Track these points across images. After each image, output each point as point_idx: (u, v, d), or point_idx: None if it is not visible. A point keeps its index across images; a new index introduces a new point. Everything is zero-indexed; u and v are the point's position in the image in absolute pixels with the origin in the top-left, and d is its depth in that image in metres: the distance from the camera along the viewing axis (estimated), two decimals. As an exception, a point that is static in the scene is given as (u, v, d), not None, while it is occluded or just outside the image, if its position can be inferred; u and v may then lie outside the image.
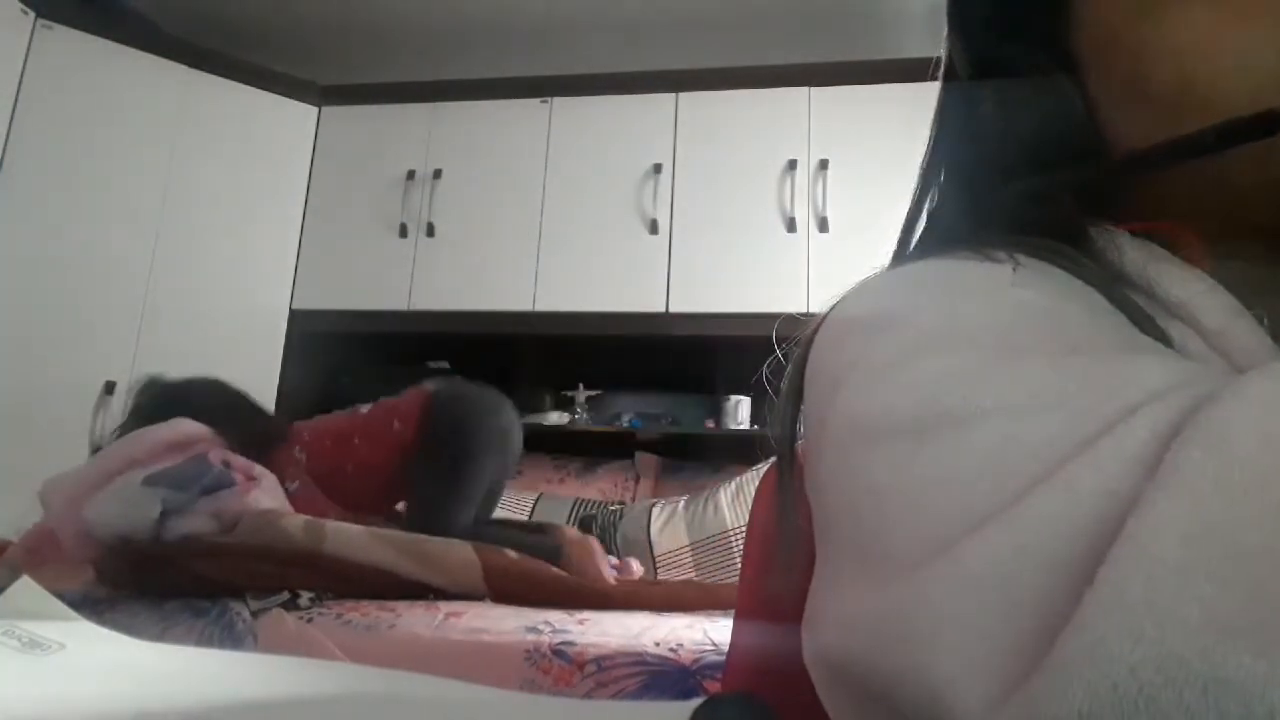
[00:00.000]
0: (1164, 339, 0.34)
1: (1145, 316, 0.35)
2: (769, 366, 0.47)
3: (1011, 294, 0.34)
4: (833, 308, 0.39)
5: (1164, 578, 0.20)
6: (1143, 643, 0.19)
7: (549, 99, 2.76)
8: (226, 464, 1.40)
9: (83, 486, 1.33)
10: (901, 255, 0.46)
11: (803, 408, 0.39)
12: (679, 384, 2.84)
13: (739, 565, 0.65)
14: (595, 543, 1.67)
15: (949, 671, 0.22)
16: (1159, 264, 0.36)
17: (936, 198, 0.46)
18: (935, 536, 0.25)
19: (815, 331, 0.39)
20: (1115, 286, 0.36)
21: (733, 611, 0.59)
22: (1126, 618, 0.19)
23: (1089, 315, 0.33)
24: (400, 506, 1.75)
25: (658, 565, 2.05)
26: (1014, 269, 0.35)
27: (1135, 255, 0.37)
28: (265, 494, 1.39)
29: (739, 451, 2.44)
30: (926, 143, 0.47)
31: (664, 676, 1.00)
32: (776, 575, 0.51)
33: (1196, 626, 0.19)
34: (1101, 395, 0.25)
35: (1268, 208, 0.34)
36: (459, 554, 1.31)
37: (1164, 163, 0.39)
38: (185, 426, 1.46)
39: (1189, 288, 0.35)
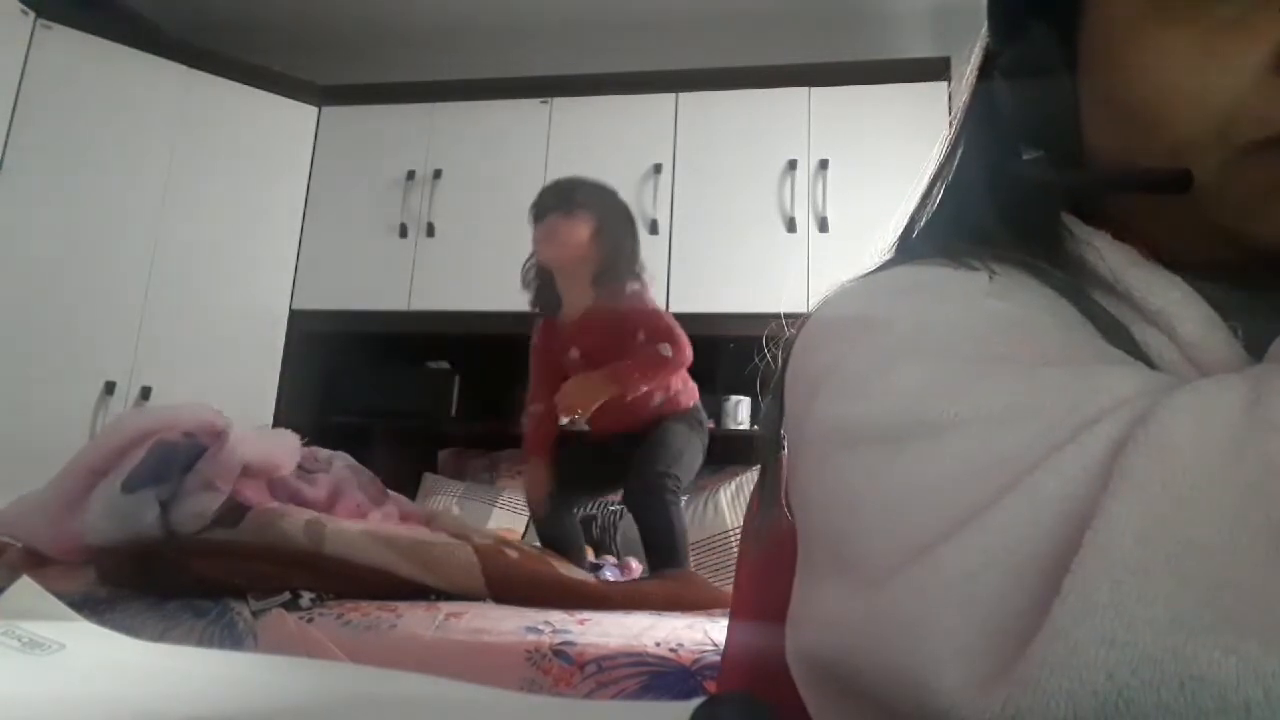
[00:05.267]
0: (1133, 347, 0.35)
1: (1115, 326, 0.35)
2: (760, 368, 0.47)
3: (987, 304, 0.34)
4: (813, 311, 0.40)
5: (1126, 580, 0.20)
6: (1116, 647, 0.20)
7: (549, 99, 2.76)
8: (189, 435, 1.37)
9: (59, 508, 1.30)
10: (900, 250, 0.47)
11: (785, 409, 0.39)
12: (679, 384, 2.84)
13: (739, 565, 0.65)
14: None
15: (930, 667, 0.23)
16: (1138, 269, 0.37)
17: (942, 194, 0.46)
18: (912, 541, 0.26)
19: (797, 334, 0.40)
20: (1085, 297, 0.37)
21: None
22: (1097, 623, 0.20)
23: (1060, 326, 0.34)
24: None
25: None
26: (989, 278, 0.36)
27: (1115, 259, 0.38)
28: (240, 442, 1.35)
29: (739, 451, 2.44)
30: (942, 139, 0.47)
31: (664, 676, 1.00)
32: (754, 569, 0.51)
33: (1165, 626, 0.19)
34: (1069, 406, 0.26)
35: (1232, 226, 0.35)
36: (459, 556, 1.31)
37: (1092, 189, 0.41)
38: (128, 421, 1.43)
39: (1167, 295, 0.36)
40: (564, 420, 1.74)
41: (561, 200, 1.83)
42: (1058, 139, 0.40)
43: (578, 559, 1.74)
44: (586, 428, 1.82)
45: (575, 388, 1.71)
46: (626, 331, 1.76)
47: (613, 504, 2.36)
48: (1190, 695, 0.18)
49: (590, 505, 2.33)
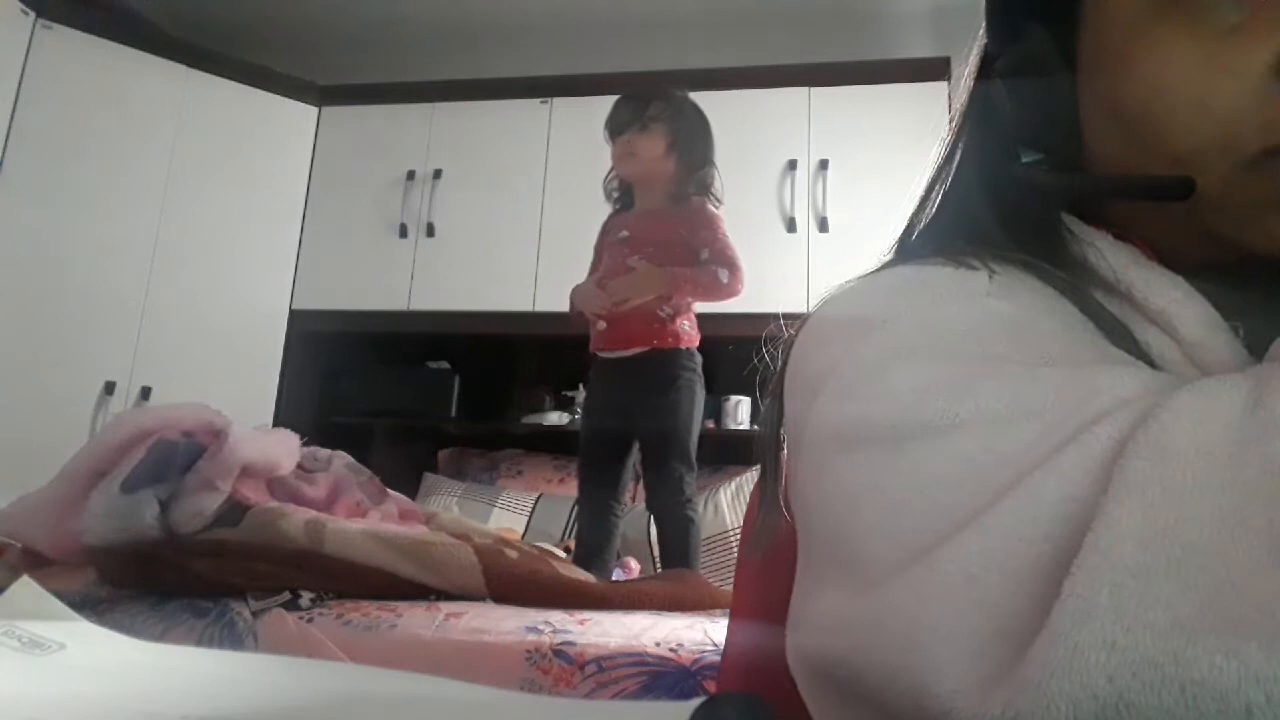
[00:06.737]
0: (1135, 348, 0.34)
1: (1116, 325, 0.35)
2: (760, 369, 0.47)
3: (987, 303, 0.34)
4: (813, 311, 0.40)
5: (1127, 583, 0.20)
6: (1116, 650, 0.19)
7: (549, 99, 2.76)
8: (188, 434, 1.37)
9: (59, 508, 1.29)
10: (900, 251, 0.47)
11: (785, 410, 0.39)
12: (679, 384, 2.84)
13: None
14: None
15: (930, 669, 0.23)
16: (1139, 269, 0.37)
17: (943, 192, 0.46)
18: (912, 543, 0.26)
19: (797, 334, 0.39)
20: (1087, 296, 0.36)
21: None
22: (1098, 626, 0.20)
23: (1061, 326, 0.34)
24: None
25: (658, 565, 2.05)
26: (989, 277, 0.36)
27: (1116, 259, 0.37)
28: (240, 442, 1.36)
29: (739, 451, 2.44)
30: (941, 141, 0.47)
31: (664, 676, 1.00)
32: (754, 569, 0.51)
33: (1165, 629, 0.19)
34: (1070, 406, 0.26)
35: (1234, 234, 0.35)
36: (459, 556, 1.31)
37: (1093, 195, 0.40)
38: (129, 420, 1.43)
39: (1168, 295, 0.35)
40: (603, 303, 1.78)
41: (636, 116, 1.88)
42: (1057, 142, 0.40)
43: (600, 566, 1.75)
44: (602, 326, 1.84)
45: (634, 277, 1.77)
46: (688, 243, 1.82)
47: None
48: (1191, 699, 0.18)
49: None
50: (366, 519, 1.48)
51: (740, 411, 2.53)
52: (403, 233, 2.74)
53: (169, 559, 1.22)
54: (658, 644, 1.05)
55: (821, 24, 2.86)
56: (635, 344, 1.81)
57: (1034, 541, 0.23)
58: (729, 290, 1.79)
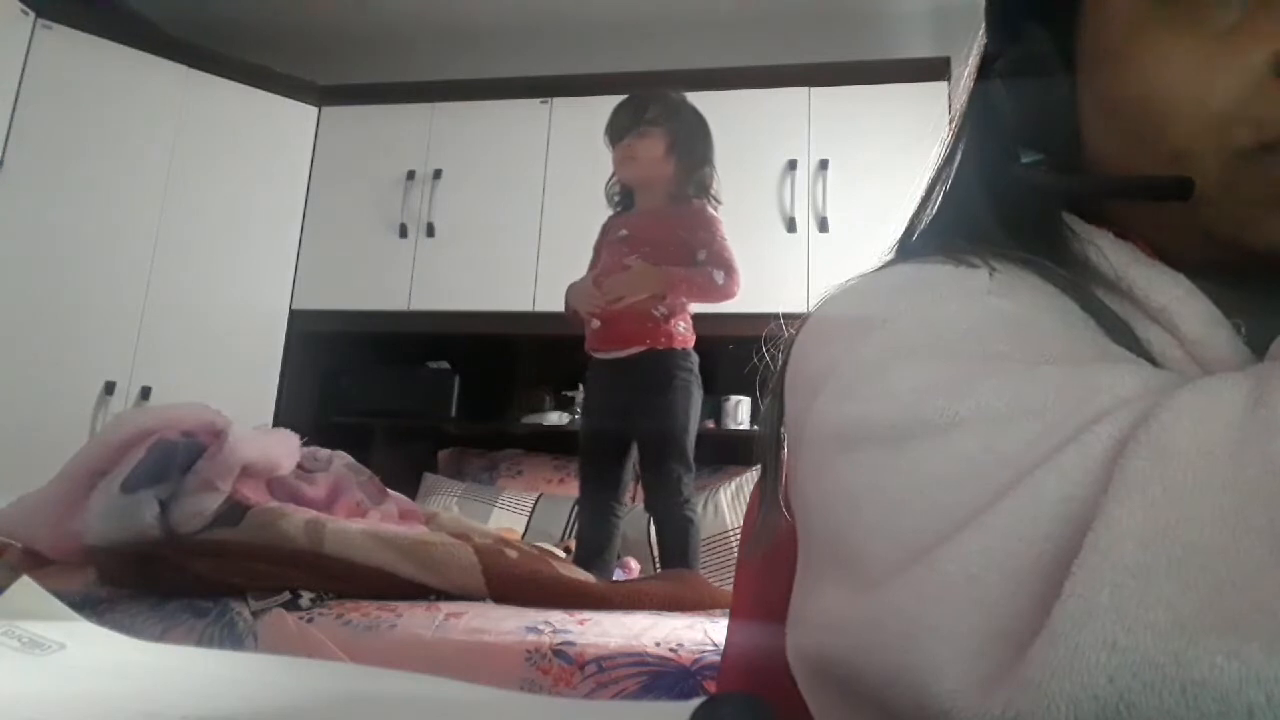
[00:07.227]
0: (1136, 345, 0.34)
1: (1118, 323, 0.35)
2: (760, 368, 0.47)
3: (987, 301, 0.34)
4: (813, 311, 0.40)
5: (1128, 583, 0.20)
6: (1117, 651, 0.19)
7: (549, 99, 2.76)
8: (188, 434, 1.37)
9: (59, 508, 1.29)
10: (901, 252, 0.47)
11: (785, 409, 0.39)
12: (679, 384, 2.83)
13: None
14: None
15: (930, 669, 0.23)
16: (1140, 267, 0.37)
17: (943, 193, 0.46)
18: (912, 542, 0.26)
19: (797, 334, 0.39)
20: (1088, 294, 0.36)
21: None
22: (1098, 627, 0.20)
23: (1062, 324, 0.34)
24: None
25: (658, 565, 2.05)
26: (990, 275, 0.36)
27: (1117, 257, 0.37)
28: (240, 442, 1.36)
29: (739, 451, 2.44)
30: (941, 141, 0.47)
31: (664, 676, 1.00)
32: (755, 569, 0.51)
33: (1166, 630, 0.19)
34: (1071, 405, 0.26)
35: (1232, 233, 0.35)
36: (459, 556, 1.31)
37: (1092, 196, 0.40)
38: (129, 420, 1.43)
39: (1169, 293, 0.35)
40: (597, 301, 1.79)
41: (635, 120, 1.90)
42: (1056, 141, 0.40)
43: (601, 566, 1.75)
44: (596, 325, 1.85)
45: (630, 276, 1.78)
46: (687, 243, 1.84)
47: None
48: (1192, 700, 0.18)
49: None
50: (366, 519, 1.48)
51: (740, 411, 2.53)
52: (403, 233, 2.74)
53: (169, 559, 1.22)
54: (658, 644, 1.05)
55: (821, 24, 2.86)
56: (631, 344, 1.82)
57: (1034, 541, 0.23)
58: (724, 292, 1.80)
